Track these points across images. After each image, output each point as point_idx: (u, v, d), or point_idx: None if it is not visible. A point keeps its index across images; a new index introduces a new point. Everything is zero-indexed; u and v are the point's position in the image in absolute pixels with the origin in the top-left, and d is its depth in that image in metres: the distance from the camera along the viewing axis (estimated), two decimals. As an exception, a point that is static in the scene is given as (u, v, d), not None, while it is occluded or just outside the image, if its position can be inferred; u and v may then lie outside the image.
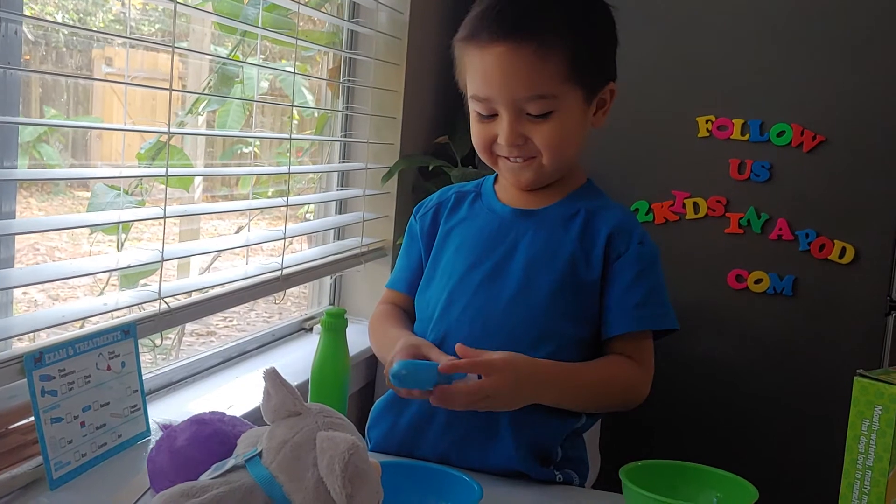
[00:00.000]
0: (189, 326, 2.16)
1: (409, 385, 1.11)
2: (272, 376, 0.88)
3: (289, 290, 1.89)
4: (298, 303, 2.30)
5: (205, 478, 0.85)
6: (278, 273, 1.71)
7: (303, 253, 1.96)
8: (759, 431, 2.13)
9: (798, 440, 2.08)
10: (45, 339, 1.25)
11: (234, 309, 2.23)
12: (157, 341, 1.74)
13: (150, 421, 1.25)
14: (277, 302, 1.84)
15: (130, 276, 1.59)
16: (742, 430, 2.12)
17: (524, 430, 1.21)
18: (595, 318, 1.24)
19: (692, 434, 2.13)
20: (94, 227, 1.61)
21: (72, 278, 1.22)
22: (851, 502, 0.97)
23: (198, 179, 1.95)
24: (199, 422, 0.99)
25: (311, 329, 1.99)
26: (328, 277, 2.10)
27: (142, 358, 1.27)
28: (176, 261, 1.51)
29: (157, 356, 1.77)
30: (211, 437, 0.97)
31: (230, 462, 0.87)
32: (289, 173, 1.75)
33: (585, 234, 1.25)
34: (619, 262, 1.24)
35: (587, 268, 1.23)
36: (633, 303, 1.23)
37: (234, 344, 1.76)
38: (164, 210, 1.37)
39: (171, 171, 1.44)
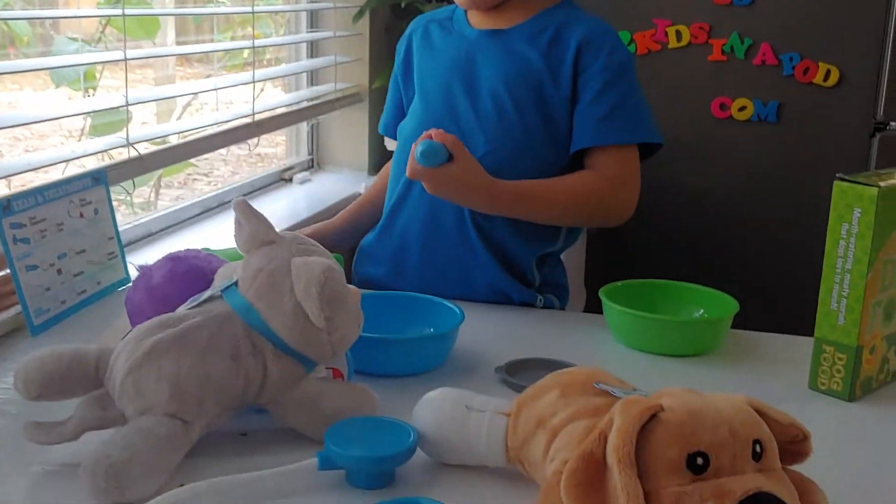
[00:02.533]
0: (176, 192, 2.14)
1: (432, 161, 1.14)
2: (242, 206, 0.86)
3: (269, 151, 1.86)
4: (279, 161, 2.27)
5: (181, 310, 0.85)
6: (250, 119, 1.67)
7: (275, 99, 1.91)
8: (744, 257, 2.14)
9: (782, 261, 2.11)
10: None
11: (218, 174, 2.20)
12: (133, 194, 1.71)
13: (129, 266, 1.24)
14: (252, 149, 1.81)
15: (100, 127, 1.56)
16: (727, 255, 2.14)
17: (499, 252, 1.21)
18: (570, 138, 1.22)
19: (678, 265, 2.15)
20: (57, 82, 1.56)
21: (34, 123, 1.18)
22: (830, 306, 0.98)
23: (169, 38, 1.88)
24: (174, 259, 0.98)
25: (290, 179, 1.96)
26: (305, 126, 2.06)
27: (121, 213, 1.25)
28: (155, 114, 1.47)
29: (137, 210, 1.75)
30: (187, 273, 0.96)
31: (206, 293, 0.86)
32: (252, 13, 1.68)
33: (553, 50, 1.21)
34: (586, 75, 1.20)
35: (555, 86, 1.20)
36: (598, 115, 1.19)
37: (212, 195, 1.74)
38: (125, 53, 1.31)
39: (129, 11, 1.38)
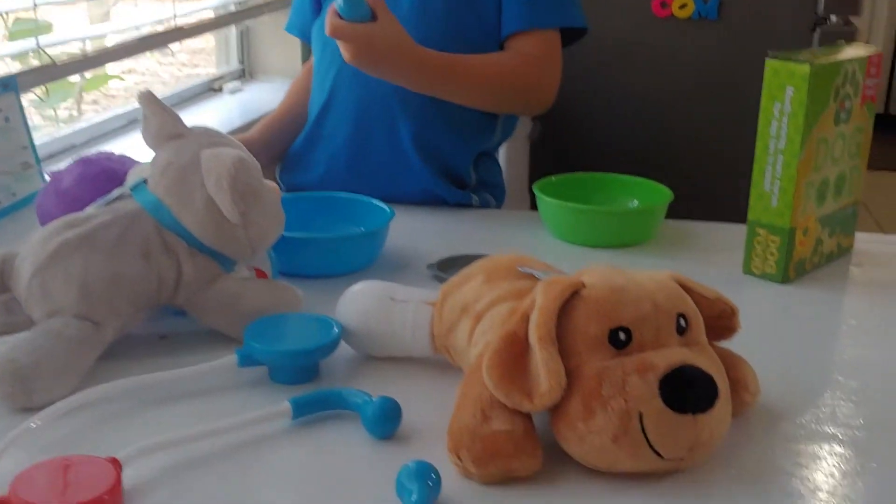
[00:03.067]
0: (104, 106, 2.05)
1: (355, 13, 1.04)
2: (148, 98, 0.81)
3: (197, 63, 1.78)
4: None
5: (89, 210, 0.81)
6: (172, 22, 1.60)
7: (199, 2, 1.83)
8: (684, 153, 2.13)
9: (721, 157, 2.09)
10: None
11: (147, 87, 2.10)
12: (58, 109, 1.64)
13: (45, 177, 1.18)
14: (174, 54, 1.74)
15: (17, 34, 1.48)
16: (668, 153, 2.12)
17: (433, 155, 1.18)
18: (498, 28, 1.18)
19: (619, 165, 2.13)
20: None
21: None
22: (763, 188, 0.96)
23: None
24: (85, 162, 0.93)
25: (219, 89, 1.89)
26: (234, 32, 1.98)
27: (43, 129, 1.19)
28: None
29: (62, 124, 1.68)
30: (98, 176, 0.91)
31: (115, 192, 0.82)
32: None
33: None
34: None
35: None
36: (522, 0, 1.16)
37: (137, 107, 1.67)
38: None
39: None
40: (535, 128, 2.35)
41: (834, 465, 0.65)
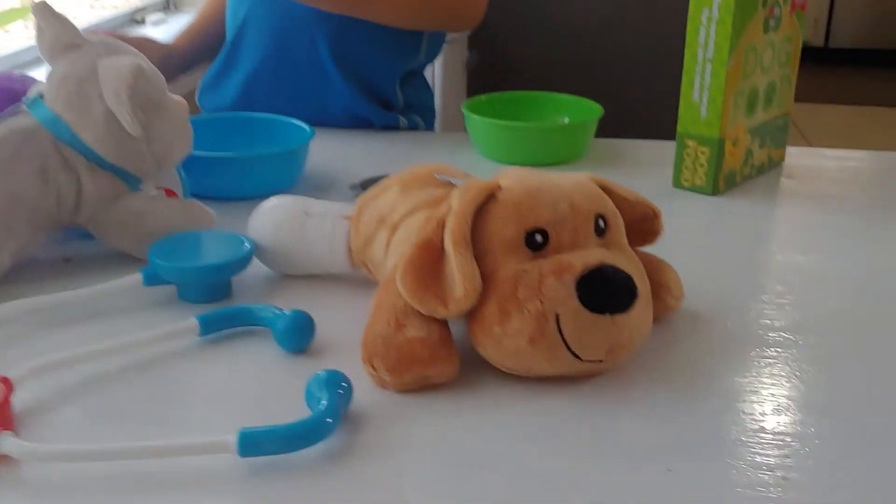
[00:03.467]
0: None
1: None
2: (41, 8, 0.76)
3: None
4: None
5: (-18, 128, 0.76)
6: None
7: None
8: (619, 75, 2.12)
9: (655, 71, 2.08)
10: None
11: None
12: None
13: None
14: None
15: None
16: (605, 76, 2.11)
17: (355, 73, 1.14)
18: None
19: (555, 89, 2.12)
20: None
21: None
22: (692, 99, 0.94)
23: None
24: (-19, 83, 0.88)
25: (142, 21, 1.82)
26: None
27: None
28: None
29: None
30: (-4, 96, 0.86)
31: (10, 109, 0.77)
32: None
33: None
34: None
35: None
36: None
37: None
38: None
39: None
40: (472, 56, 2.32)
41: (761, 368, 0.64)
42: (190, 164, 0.85)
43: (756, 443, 0.56)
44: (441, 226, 0.61)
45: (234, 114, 1.07)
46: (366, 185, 0.95)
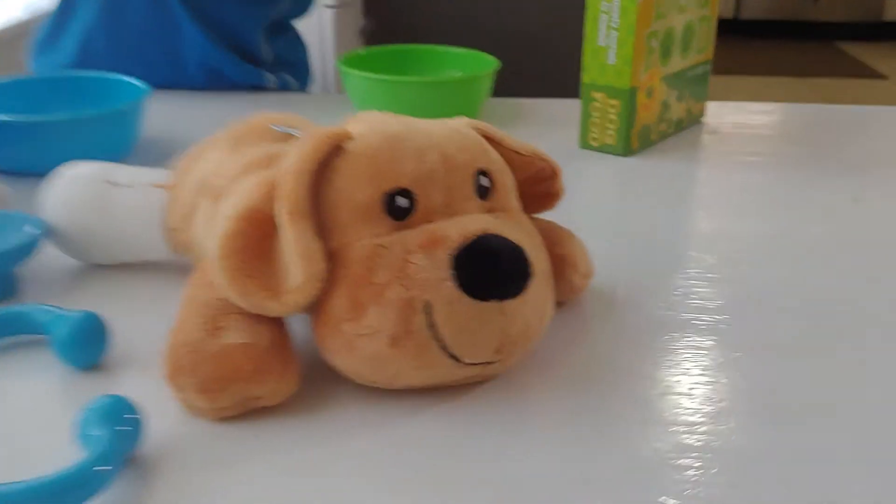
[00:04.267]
0: None
1: None
2: None
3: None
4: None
5: None
6: None
7: None
8: (514, 25, 1.99)
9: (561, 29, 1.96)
10: None
11: None
12: None
13: None
14: None
15: None
16: (505, 35, 1.97)
17: (209, 18, 0.97)
18: None
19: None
20: None
21: None
22: (598, 42, 0.80)
23: None
24: None
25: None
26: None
27: None
28: None
29: None
30: None
31: None
32: None
33: None
34: None
35: None
36: None
37: None
38: None
39: None
40: (368, 22, 2.15)
41: (690, 359, 0.51)
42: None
43: (687, 466, 0.42)
44: (273, 190, 0.46)
45: (53, 74, 0.88)
46: (213, 153, 0.78)
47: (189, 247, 0.55)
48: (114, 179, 0.56)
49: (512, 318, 0.44)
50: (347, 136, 0.46)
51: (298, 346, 0.46)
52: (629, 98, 0.80)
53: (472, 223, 0.45)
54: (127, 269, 0.59)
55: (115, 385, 0.47)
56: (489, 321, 0.44)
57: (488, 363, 0.45)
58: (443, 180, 0.45)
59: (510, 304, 0.44)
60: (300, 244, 0.43)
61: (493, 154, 0.49)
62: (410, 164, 0.45)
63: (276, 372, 0.44)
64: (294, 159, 0.45)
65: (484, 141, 0.49)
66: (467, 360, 0.44)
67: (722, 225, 0.70)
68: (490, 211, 0.47)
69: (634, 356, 0.51)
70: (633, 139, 0.82)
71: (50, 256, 0.58)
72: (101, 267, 0.59)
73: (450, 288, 0.43)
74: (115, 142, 0.78)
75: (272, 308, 0.44)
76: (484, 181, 0.47)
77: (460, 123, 0.49)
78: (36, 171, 0.73)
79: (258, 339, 0.44)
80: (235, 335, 0.44)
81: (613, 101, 0.81)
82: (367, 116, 0.49)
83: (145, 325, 0.50)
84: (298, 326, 0.47)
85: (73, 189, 0.57)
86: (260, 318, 0.45)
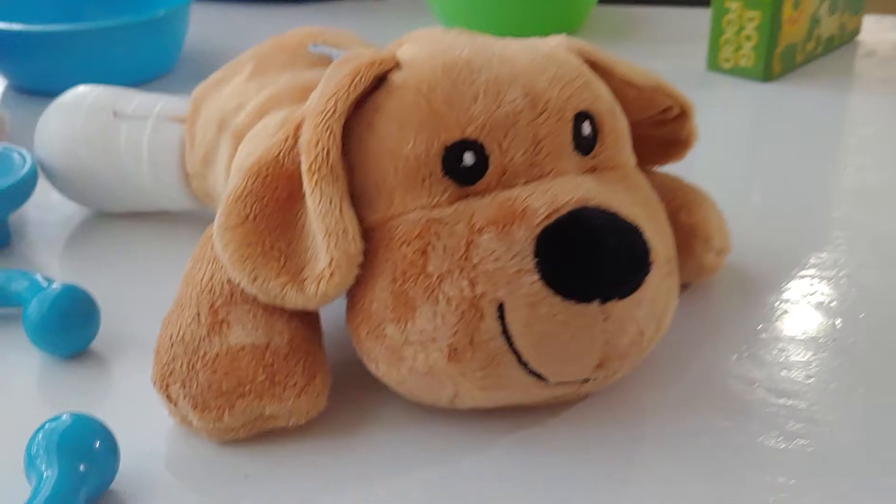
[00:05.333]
0: None
1: None
2: None
3: None
4: None
5: None
6: None
7: None
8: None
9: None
10: None
11: None
12: None
13: None
14: None
15: None
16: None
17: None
18: None
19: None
20: None
21: None
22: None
23: None
24: None
25: None
26: None
27: None
28: None
29: None
30: None
31: None
32: None
33: None
34: None
35: None
36: None
37: None
38: None
39: None
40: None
41: (848, 366, 0.37)
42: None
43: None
44: (298, 136, 0.34)
45: None
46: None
47: (213, 197, 0.44)
48: (121, 109, 0.45)
49: (620, 325, 0.31)
50: (395, 64, 0.34)
51: (331, 345, 0.35)
52: (772, 9, 0.64)
53: (567, 190, 0.32)
54: (140, 220, 0.48)
55: (100, 383, 0.37)
56: (588, 330, 0.31)
57: (585, 380, 0.33)
58: (527, 128, 0.32)
59: (618, 307, 0.31)
60: (328, 216, 0.32)
61: (601, 88, 0.35)
62: (481, 104, 0.32)
63: (297, 384, 0.33)
64: (320, 97, 0.33)
65: (588, 70, 0.35)
66: (554, 379, 0.32)
67: (882, 178, 0.55)
68: (593, 170, 0.34)
69: (778, 361, 0.38)
70: (775, 62, 0.66)
71: (52, 201, 0.48)
72: (110, 216, 0.48)
73: (532, 283, 0.30)
74: (153, 56, 0.67)
75: (292, 298, 0.32)
76: (586, 129, 0.34)
77: (555, 45, 0.36)
78: (58, 90, 0.62)
79: (274, 338, 0.33)
80: (243, 333, 0.33)
81: (752, 13, 0.65)
82: (427, 35, 0.36)
83: (153, 298, 0.38)
84: (331, 316, 0.36)
85: (72, 121, 0.46)
86: (278, 311, 0.33)
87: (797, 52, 0.69)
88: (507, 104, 0.32)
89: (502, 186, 0.32)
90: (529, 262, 0.31)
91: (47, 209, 0.49)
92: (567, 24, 0.76)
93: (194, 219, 0.47)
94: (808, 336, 0.39)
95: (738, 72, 0.67)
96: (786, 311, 0.41)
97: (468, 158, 0.32)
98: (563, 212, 0.31)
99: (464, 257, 0.31)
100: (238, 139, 0.40)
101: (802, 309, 0.41)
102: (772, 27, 0.65)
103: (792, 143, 0.59)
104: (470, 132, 0.32)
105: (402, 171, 0.32)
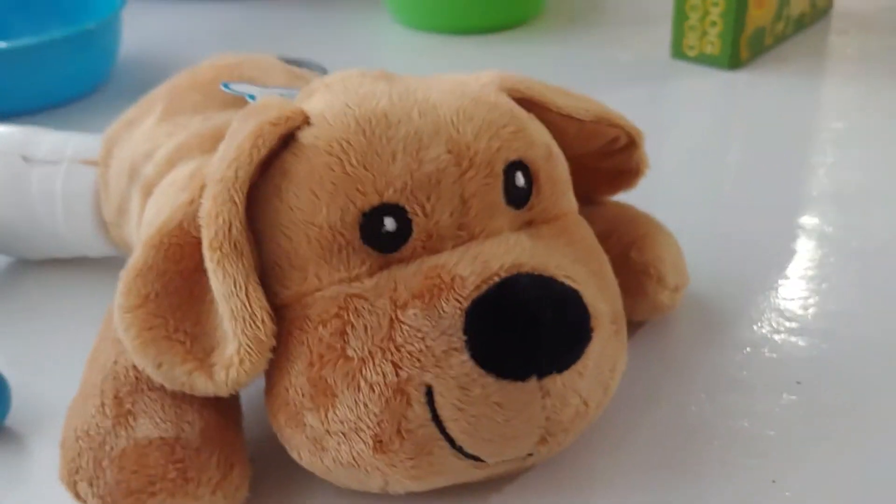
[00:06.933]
0: None
1: None
2: None
3: None
4: None
5: None
6: None
7: None
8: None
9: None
10: None
11: None
12: None
13: None
14: None
15: None
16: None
17: None
18: None
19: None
20: None
21: None
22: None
23: None
24: None
25: None
26: None
27: None
28: None
29: None
30: None
31: None
32: None
33: None
34: None
35: None
36: None
37: None
38: None
39: None
40: None
41: (808, 418, 0.35)
42: None
43: None
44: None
45: None
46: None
47: (131, 246, 0.41)
48: (31, 153, 0.42)
49: (562, 400, 0.29)
50: (303, 119, 0.30)
51: (255, 421, 0.32)
52: (737, -7, 0.61)
53: (499, 254, 0.29)
54: (60, 268, 0.45)
55: (15, 466, 0.34)
56: (526, 408, 0.28)
57: (528, 455, 0.30)
58: (453, 187, 0.29)
59: (558, 381, 0.28)
60: (233, 298, 0.28)
61: (535, 133, 0.32)
62: (400, 164, 0.29)
63: (212, 480, 0.30)
64: (220, 161, 0.30)
65: (520, 111, 0.32)
66: (494, 461, 0.30)
67: (861, 177, 0.52)
68: (529, 224, 0.31)
69: (743, 410, 0.35)
70: (743, 47, 0.63)
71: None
72: (26, 264, 0.45)
73: (463, 362, 0.27)
74: (86, 70, 0.63)
75: (201, 386, 0.29)
76: (520, 180, 0.31)
77: (484, 83, 0.33)
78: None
79: (185, 430, 0.30)
80: (151, 425, 0.30)
81: (716, -2, 0.62)
82: (342, 81, 0.32)
83: (75, 359, 0.35)
84: (254, 389, 0.33)
85: (-20, 168, 0.42)
86: (188, 398, 0.30)
87: (766, 35, 0.65)
88: (429, 162, 0.29)
89: (428, 251, 0.29)
90: (459, 339, 0.28)
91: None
92: (523, 11, 0.73)
93: (119, 264, 0.44)
94: (774, 382, 0.37)
95: (703, 59, 0.64)
96: (751, 350, 0.38)
97: (389, 224, 0.29)
98: (494, 280, 0.28)
99: (387, 338, 0.28)
100: (147, 193, 0.37)
101: (771, 346, 0.38)
102: (737, 12, 0.61)
103: (760, 139, 0.56)
104: (389, 195, 0.29)
105: (315, 241, 0.29)
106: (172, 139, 0.36)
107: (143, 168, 0.37)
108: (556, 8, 0.76)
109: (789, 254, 0.45)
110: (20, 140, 0.43)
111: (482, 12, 0.71)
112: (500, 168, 0.30)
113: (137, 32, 0.70)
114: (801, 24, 0.69)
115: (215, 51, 0.71)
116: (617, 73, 0.64)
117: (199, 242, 0.30)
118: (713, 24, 0.62)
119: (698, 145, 0.56)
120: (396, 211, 0.29)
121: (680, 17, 0.64)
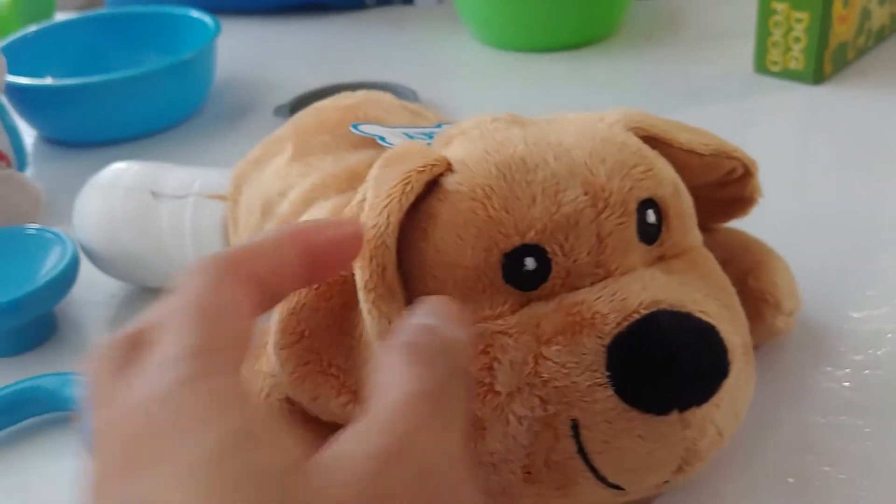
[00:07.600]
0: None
1: None
2: None
3: None
4: None
5: None
6: None
7: None
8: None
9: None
10: None
11: None
12: None
13: None
14: None
15: None
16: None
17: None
18: None
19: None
20: None
21: None
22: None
23: None
24: None
25: None
26: None
27: None
28: None
29: None
30: None
31: None
32: None
33: None
34: None
35: None
36: None
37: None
38: None
39: None
40: None
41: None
42: (21, 99, 0.57)
43: None
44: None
45: (94, 13, 0.75)
46: (299, 106, 0.65)
47: (257, 276, 0.43)
48: (159, 190, 0.44)
49: (700, 431, 0.30)
50: (446, 167, 0.32)
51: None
52: (822, 9, 0.61)
53: (636, 291, 0.30)
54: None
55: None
56: (667, 440, 0.30)
57: (664, 482, 0.32)
58: (590, 227, 0.31)
59: (697, 413, 0.30)
60: (387, 336, 0.30)
61: (663, 170, 0.33)
62: (540, 206, 0.30)
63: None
64: (371, 209, 0.31)
65: (648, 150, 0.33)
66: (633, 489, 0.31)
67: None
68: (661, 259, 0.32)
69: (860, 432, 0.36)
70: (826, 62, 0.64)
71: (94, 279, 0.47)
72: (153, 291, 0.47)
73: (607, 398, 0.29)
74: (183, 98, 0.65)
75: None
76: (651, 217, 0.32)
77: (612, 123, 0.34)
78: (88, 140, 0.62)
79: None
80: (305, 455, 0.32)
81: (800, 14, 0.62)
82: (476, 126, 0.34)
83: None
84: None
85: (111, 203, 0.44)
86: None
87: (848, 49, 0.66)
88: (567, 204, 0.31)
89: (567, 289, 0.31)
90: (602, 375, 0.29)
91: (89, 287, 0.48)
92: (603, 28, 0.74)
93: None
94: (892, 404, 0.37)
95: (787, 75, 0.65)
96: (868, 373, 0.39)
97: (530, 263, 0.30)
98: (634, 318, 0.29)
99: (533, 373, 0.30)
100: (282, 228, 0.39)
101: (882, 364, 0.39)
102: (822, 28, 0.62)
103: (848, 153, 0.57)
104: (530, 237, 0.30)
105: (461, 281, 0.31)
106: (307, 179, 0.38)
107: (279, 206, 0.39)
108: (635, 24, 0.77)
109: (885, 272, 0.45)
110: (148, 175, 0.45)
111: (562, 29, 0.72)
112: (633, 207, 0.31)
113: (229, 52, 0.72)
114: (881, 35, 0.69)
115: (301, 73, 0.73)
116: (698, 88, 0.65)
117: (344, 280, 0.32)
118: (797, 39, 0.63)
119: (785, 161, 0.57)
120: (537, 251, 0.30)
121: (763, 33, 0.64)
